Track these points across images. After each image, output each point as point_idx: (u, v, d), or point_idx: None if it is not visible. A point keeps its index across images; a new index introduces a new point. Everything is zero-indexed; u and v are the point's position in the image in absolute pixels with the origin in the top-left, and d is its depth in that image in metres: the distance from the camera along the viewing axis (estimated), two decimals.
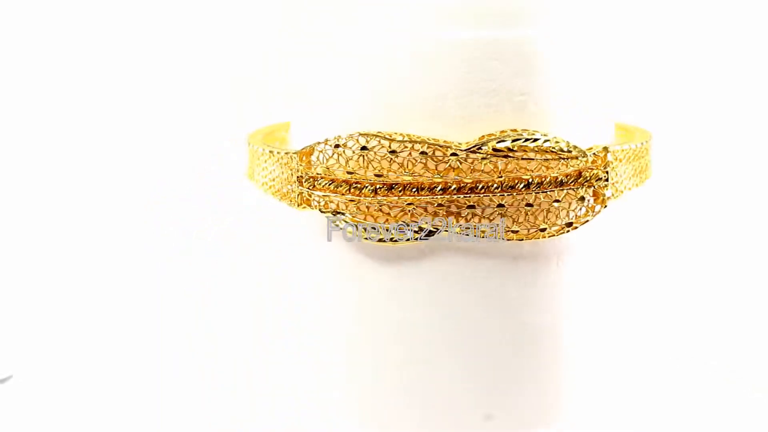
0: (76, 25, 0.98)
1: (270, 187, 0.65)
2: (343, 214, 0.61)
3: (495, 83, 0.60)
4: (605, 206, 0.61)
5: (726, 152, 0.98)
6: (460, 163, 0.60)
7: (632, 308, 0.63)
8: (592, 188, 0.61)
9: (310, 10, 0.64)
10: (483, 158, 0.60)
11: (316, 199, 0.61)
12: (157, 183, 0.99)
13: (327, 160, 0.61)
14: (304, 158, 0.62)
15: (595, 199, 0.61)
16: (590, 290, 0.65)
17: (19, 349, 0.86)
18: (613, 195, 0.62)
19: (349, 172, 0.61)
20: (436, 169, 0.60)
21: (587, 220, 0.61)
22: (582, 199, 0.61)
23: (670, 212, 0.96)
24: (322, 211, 0.61)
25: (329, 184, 0.61)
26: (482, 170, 0.60)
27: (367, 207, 0.61)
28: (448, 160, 0.60)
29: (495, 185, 0.59)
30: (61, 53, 0.98)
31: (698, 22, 0.97)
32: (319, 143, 0.61)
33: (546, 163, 0.60)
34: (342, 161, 0.61)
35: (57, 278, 0.94)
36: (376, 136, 0.60)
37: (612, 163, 0.61)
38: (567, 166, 0.60)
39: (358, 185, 0.60)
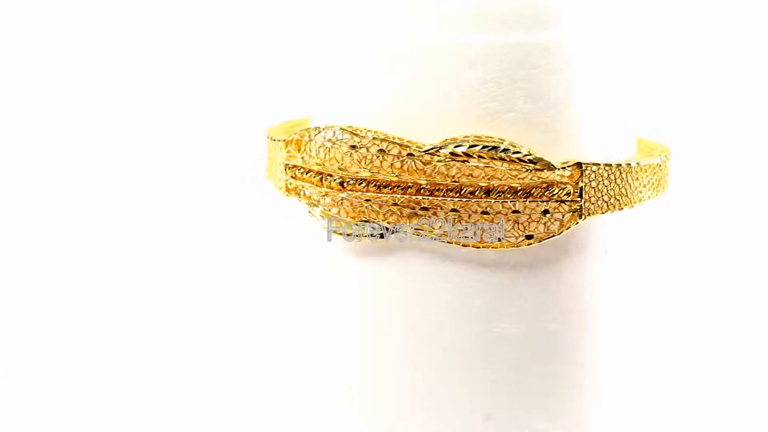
0: (79, 26, 0.99)
1: (266, 171, 0.66)
2: (316, 205, 0.61)
3: (500, 88, 0.60)
4: (576, 222, 0.60)
5: (725, 156, 0.97)
6: (423, 164, 0.59)
7: (613, 317, 0.63)
8: (564, 203, 0.60)
9: (318, 9, 0.64)
10: (439, 161, 0.59)
11: (299, 188, 0.62)
12: (159, 183, 1.00)
13: (310, 150, 0.61)
14: (289, 147, 0.62)
15: (570, 215, 0.60)
16: (567, 302, 0.63)
17: (18, 349, 0.86)
18: (589, 211, 0.60)
19: (318, 164, 0.61)
20: (402, 168, 0.60)
21: (552, 235, 0.60)
22: (546, 212, 0.60)
23: (664, 221, 0.95)
24: (298, 200, 0.62)
25: (306, 174, 0.61)
26: (446, 174, 0.59)
27: (341, 201, 0.61)
28: (405, 160, 0.59)
29: (451, 189, 0.59)
30: (65, 53, 0.99)
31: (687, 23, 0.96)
32: (303, 133, 0.61)
33: (512, 173, 0.59)
34: (321, 153, 0.61)
35: (57, 278, 0.95)
36: (345, 130, 0.60)
37: (590, 178, 0.60)
38: (536, 178, 0.59)
39: (329, 177, 0.60)
